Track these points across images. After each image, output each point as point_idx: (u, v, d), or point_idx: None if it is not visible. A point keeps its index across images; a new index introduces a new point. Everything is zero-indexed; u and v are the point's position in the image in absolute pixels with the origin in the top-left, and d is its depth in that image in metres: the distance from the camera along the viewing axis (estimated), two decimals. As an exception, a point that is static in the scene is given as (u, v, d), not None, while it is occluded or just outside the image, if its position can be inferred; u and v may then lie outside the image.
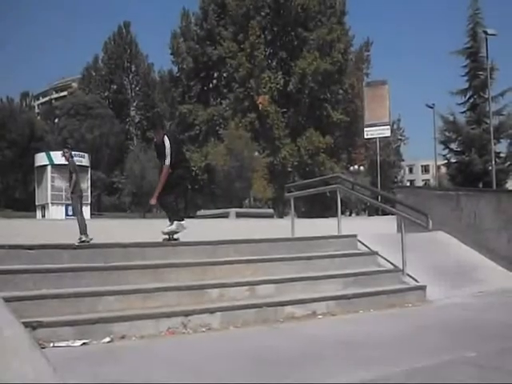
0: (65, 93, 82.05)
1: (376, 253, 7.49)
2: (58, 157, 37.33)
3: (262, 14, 51.34)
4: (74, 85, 77.88)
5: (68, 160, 13.12)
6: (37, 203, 37.47)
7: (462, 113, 34.87)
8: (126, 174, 59.30)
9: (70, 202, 12.57)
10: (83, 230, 11.36)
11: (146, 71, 69.55)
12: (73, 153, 13.46)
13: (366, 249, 7.65)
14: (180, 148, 8.50)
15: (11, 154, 59.84)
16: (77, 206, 12.20)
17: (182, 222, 7.31)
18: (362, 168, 52.81)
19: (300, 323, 5.32)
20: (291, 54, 53.75)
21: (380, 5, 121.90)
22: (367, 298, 6.29)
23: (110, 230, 15.11)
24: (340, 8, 55.65)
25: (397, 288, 6.76)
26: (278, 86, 51.48)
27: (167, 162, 7.38)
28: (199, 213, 32.82)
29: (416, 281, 7.02)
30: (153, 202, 7.59)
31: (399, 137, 66.17)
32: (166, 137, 7.58)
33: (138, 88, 70.45)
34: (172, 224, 7.24)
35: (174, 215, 7.46)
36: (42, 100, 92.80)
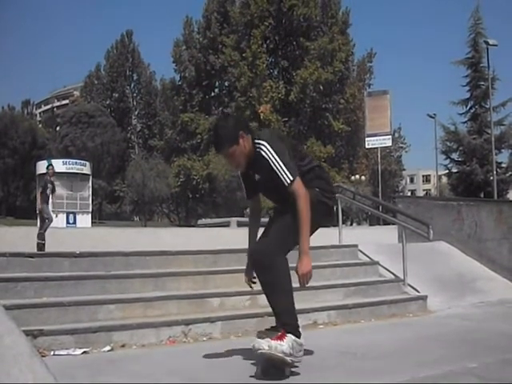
0: (66, 101, 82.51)
1: (377, 263, 7.48)
2: (59, 165, 37.61)
3: (266, 23, 51.57)
4: (76, 93, 78.32)
5: (52, 177, 14.42)
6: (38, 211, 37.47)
7: (464, 123, 35.09)
8: (127, 183, 59.46)
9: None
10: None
11: (147, 80, 69.81)
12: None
13: (367, 259, 7.65)
14: (295, 147, 4.33)
15: (13, 161, 60.07)
16: None
17: (301, 340, 3.66)
18: (363, 178, 52.84)
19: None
20: (293, 63, 53.96)
21: (382, 15, 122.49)
22: (368, 307, 6.28)
23: (111, 238, 15.14)
24: (342, 19, 55.88)
25: (398, 298, 6.75)
26: (280, 96, 51.64)
27: (291, 177, 3.76)
28: (200, 222, 32.91)
29: (417, 291, 7.02)
30: (305, 267, 3.79)
31: (400, 144, 66.29)
32: (262, 145, 3.83)
33: (139, 96, 70.77)
34: (282, 339, 3.54)
35: (288, 315, 3.73)
36: (43, 108, 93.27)
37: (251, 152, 3.88)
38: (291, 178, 3.74)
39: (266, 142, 3.84)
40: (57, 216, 14.32)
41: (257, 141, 3.87)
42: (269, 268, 3.74)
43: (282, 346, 3.50)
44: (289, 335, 3.58)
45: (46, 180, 14.76)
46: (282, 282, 3.74)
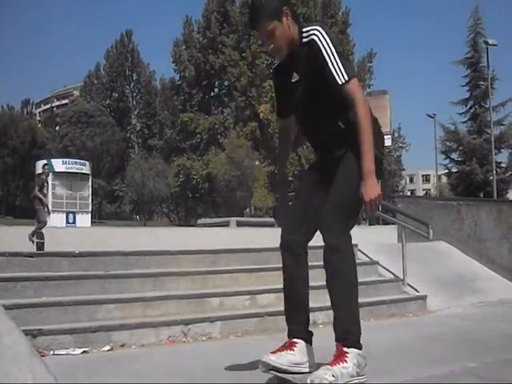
0: (66, 100, 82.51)
1: (377, 262, 7.47)
2: (59, 164, 37.63)
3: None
4: (76, 92, 78.29)
5: (47, 177, 14.71)
6: (37, 211, 37.44)
7: (463, 123, 35.10)
8: (127, 182, 59.46)
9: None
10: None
11: (147, 79, 69.79)
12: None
13: (367, 258, 7.63)
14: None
15: (12, 161, 60.10)
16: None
17: (361, 352, 2.91)
18: (362, 177, 52.85)
19: (300, 332, 5.29)
20: (292, 63, 53.86)
21: (382, 15, 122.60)
22: (368, 307, 6.26)
23: (110, 237, 15.15)
24: (342, 19, 55.92)
25: (397, 298, 6.74)
26: (280, 95, 51.56)
27: (347, 75, 2.87)
28: (200, 221, 32.87)
29: (416, 291, 7.01)
30: (371, 191, 2.86)
31: (400, 144, 66.29)
32: (316, 30, 2.94)
33: (139, 96, 70.74)
34: (343, 360, 2.80)
35: (354, 319, 2.96)
36: (43, 107, 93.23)
37: (296, 41, 2.98)
38: (346, 77, 2.86)
39: (320, 27, 2.97)
40: (50, 216, 14.51)
41: (306, 28, 2.99)
42: (335, 250, 3.05)
43: (347, 368, 2.76)
44: (351, 350, 2.83)
45: (42, 179, 14.87)
46: (348, 269, 3.03)
